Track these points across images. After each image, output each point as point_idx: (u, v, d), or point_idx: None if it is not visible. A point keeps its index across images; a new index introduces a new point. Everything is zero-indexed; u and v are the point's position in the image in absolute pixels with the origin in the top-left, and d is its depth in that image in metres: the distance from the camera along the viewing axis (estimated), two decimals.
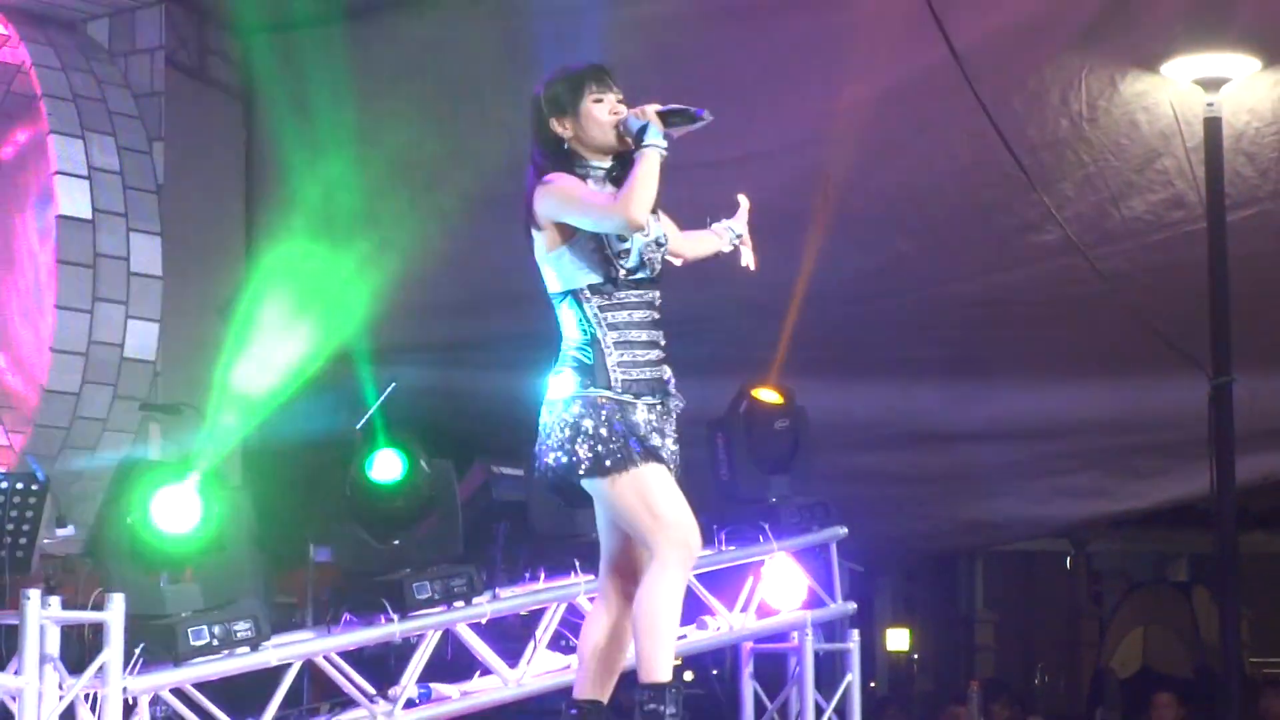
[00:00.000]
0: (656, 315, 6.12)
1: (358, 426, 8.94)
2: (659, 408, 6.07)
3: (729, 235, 6.50)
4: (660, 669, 5.94)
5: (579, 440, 5.94)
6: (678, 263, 6.32)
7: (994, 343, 11.70)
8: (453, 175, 11.68)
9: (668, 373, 6.14)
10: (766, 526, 9.37)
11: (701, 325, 11.22)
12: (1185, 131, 9.99)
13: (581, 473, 5.96)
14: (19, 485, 8.45)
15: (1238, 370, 9.99)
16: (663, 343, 6.13)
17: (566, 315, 6.06)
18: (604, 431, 5.93)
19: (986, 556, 20.37)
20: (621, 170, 6.04)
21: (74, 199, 11.93)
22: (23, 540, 8.38)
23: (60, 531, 8.93)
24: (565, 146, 6.08)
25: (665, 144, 5.95)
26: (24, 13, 12.17)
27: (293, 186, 12.65)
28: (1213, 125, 9.82)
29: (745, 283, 11.00)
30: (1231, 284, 9.87)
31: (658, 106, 6.04)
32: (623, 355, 6.00)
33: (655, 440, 6.01)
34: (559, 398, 6.00)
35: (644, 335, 6.07)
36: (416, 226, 12.15)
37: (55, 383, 11.81)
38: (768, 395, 9.85)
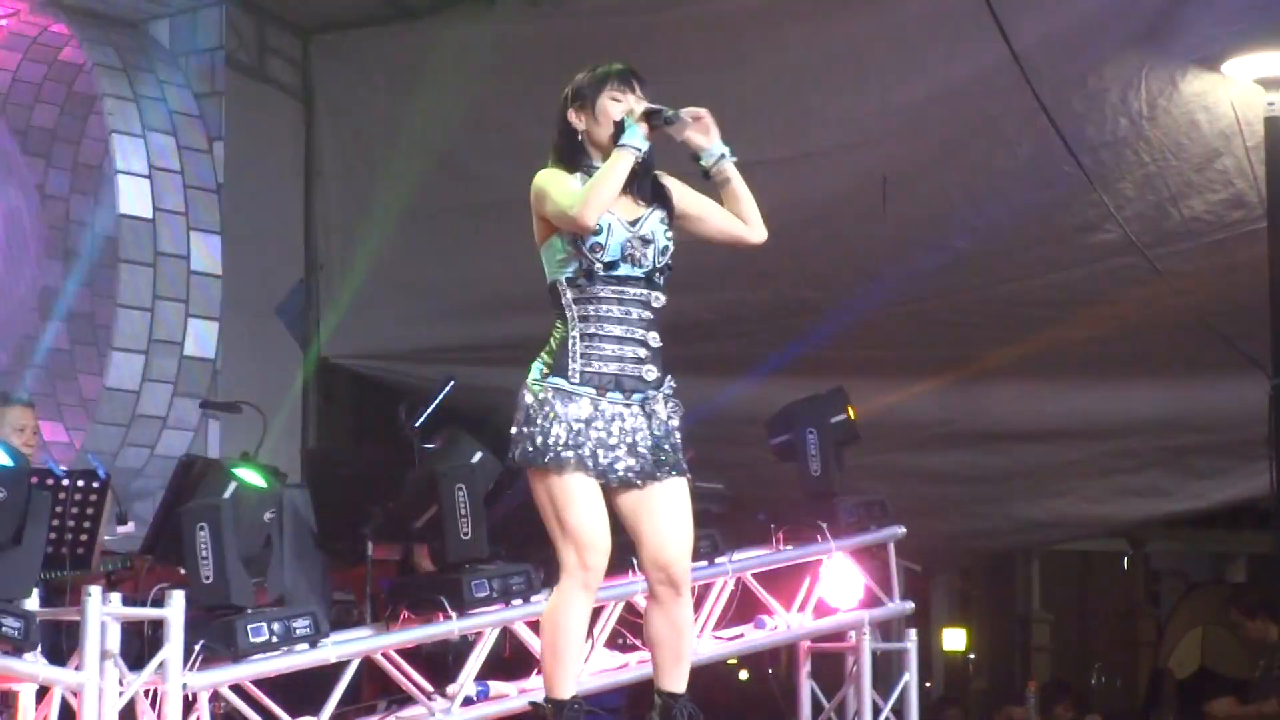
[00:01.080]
0: (646, 314, 6.00)
1: (415, 424, 8.97)
2: (629, 409, 5.99)
3: (725, 166, 6.14)
4: (556, 686, 5.98)
5: (520, 431, 5.95)
6: (753, 238, 6.15)
7: (1053, 342, 11.66)
8: (506, 174, 11.71)
9: (652, 374, 6.02)
10: (824, 526, 9.35)
11: (757, 325, 11.24)
12: (1246, 131, 9.94)
13: (515, 462, 5.99)
14: (80, 482, 8.49)
15: None
16: (652, 343, 6.01)
17: (553, 306, 6.06)
18: (540, 423, 5.91)
19: (1043, 556, 20.28)
20: None
21: (135, 198, 12.01)
22: (84, 537, 8.43)
23: (120, 529, 8.97)
24: (579, 139, 6.10)
25: (641, 145, 5.93)
26: (86, 13, 12.26)
27: (352, 185, 12.71)
28: (1274, 124, 9.77)
29: (799, 283, 11.06)
30: None
31: (644, 105, 6.03)
32: (587, 346, 5.94)
33: (602, 445, 5.92)
34: (523, 385, 6.02)
35: (619, 330, 5.97)
36: (474, 224, 12.20)
37: (115, 380, 11.89)
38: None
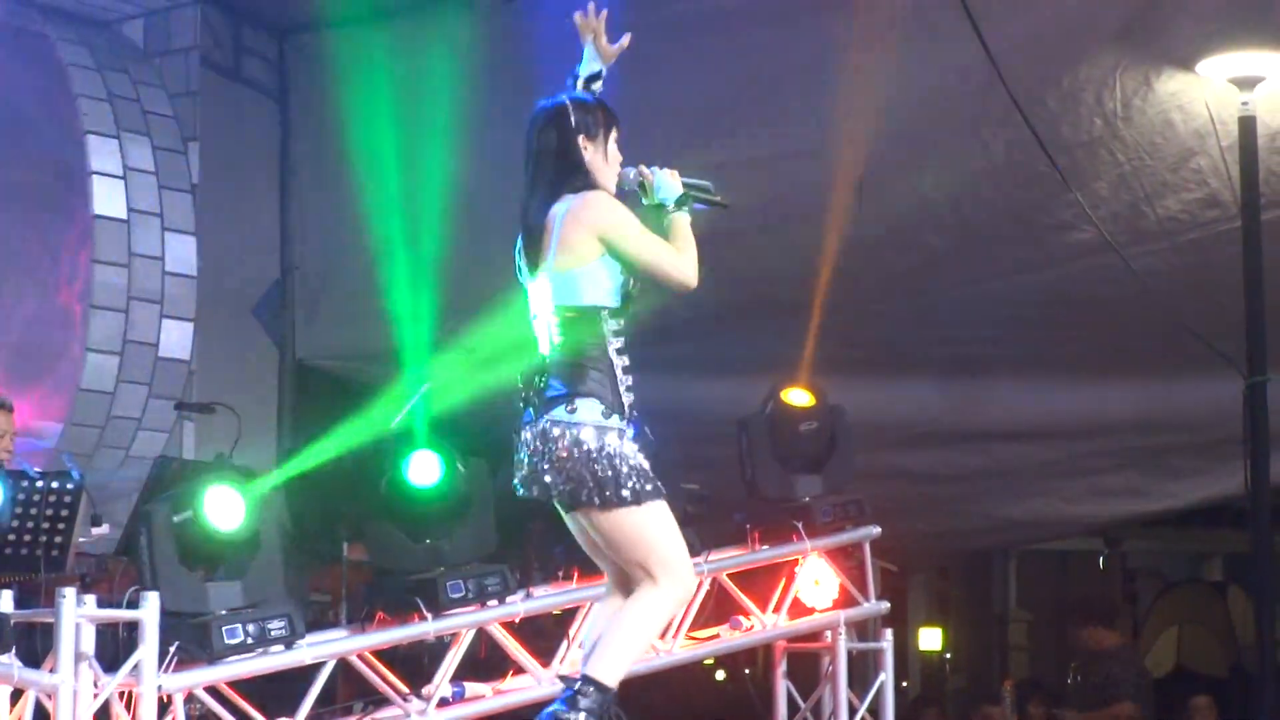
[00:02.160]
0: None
1: (392, 426, 8.96)
2: (630, 432, 6.09)
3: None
4: (611, 672, 5.99)
5: (599, 468, 5.92)
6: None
7: (1028, 342, 11.67)
8: (483, 175, 11.69)
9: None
10: (800, 526, 9.36)
11: (734, 325, 11.24)
12: (1220, 130, 9.95)
13: (595, 502, 5.94)
14: (54, 484, 8.47)
15: (1273, 369, 9.96)
16: None
17: (579, 331, 6.01)
18: (632, 462, 5.95)
19: (1020, 556, 20.31)
20: None
21: (109, 199, 11.97)
22: (58, 539, 8.41)
23: (95, 530, 8.95)
24: (587, 167, 6.12)
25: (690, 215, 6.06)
26: (59, 12, 12.21)
27: (327, 186, 12.68)
28: (1248, 124, 9.79)
29: (777, 282, 11.06)
30: (1266, 283, 9.83)
31: (670, 172, 6.09)
32: (624, 379, 6.01)
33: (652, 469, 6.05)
34: (577, 420, 5.95)
35: (629, 360, 6.07)
36: (448, 226, 12.18)
37: (90, 382, 11.85)
38: (797, 396, 9.82)
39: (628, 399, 5.99)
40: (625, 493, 5.93)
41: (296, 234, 12.98)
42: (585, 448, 5.93)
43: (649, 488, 5.96)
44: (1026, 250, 10.85)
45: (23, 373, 11.80)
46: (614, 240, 5.95)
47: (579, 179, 6.09)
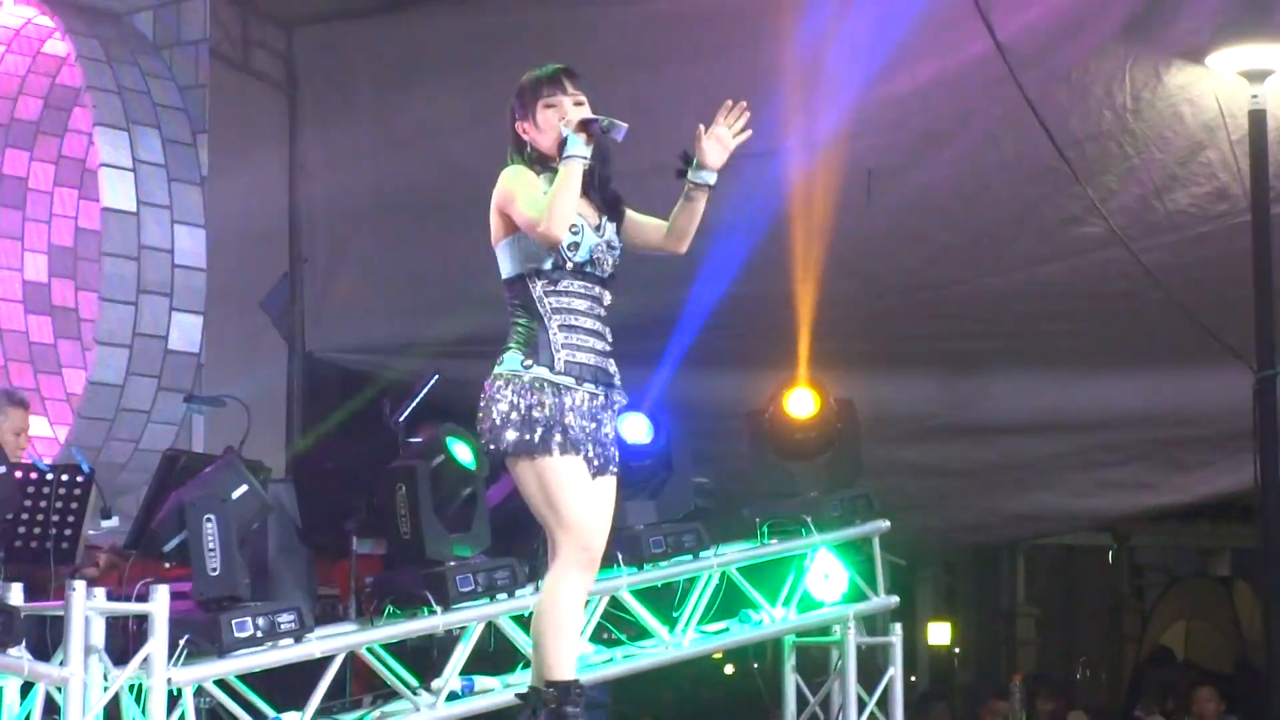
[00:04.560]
0: (603, 312, 6.16)
1: (400, 418, 8.95)
2: (600, 399, 6.11)
3: (704, 187, 6.19)
4: (563, 667, 6.02)
5: (506, 420, 6.00)
6: (682, 249, 6.28)
7: (1037, 336, 11.66)
8: (491, 167, 11.69)
9: (613, 367, 6.19)
10: (809, 520, 9.35)
11: (741, 318, 11.23)
12: (1230, 124, 9.94)
13: (502, 453, 6.04)
14: (64, 477, 8.48)
15: None
16: (609, 338, 6.18)
17: (515, 299, 6.12)
18: (533, 414, 5.98)
19: (1028, 550, 20.30)
20: None
21: (118, 192, 11.99)
22: (68, 532, 8.42)
23: (105, 523, 8.96)
24: (528, 151, 6.19)
25: (584, 153, 6.02)
26: (69, 5, 12.23)
27: (336, 179, 12.69)
28: (1257, 117, 9.77)
29: (784, 277, 11.06)
30: (1275, 277, 9.82)
31: (583, 115, 6.10)
32: (567, 337, 6.05)
33: (583, 433, 6.04)
34: (498, 372, 6.06)
35: (589, 324, 6.11)
36: (457, 218, 12.18)
37: (100, 374, 11.87)
38: (798, 396, 9.77)
39: (564, 354, 6.03)
40: (516, 439, 5.98)
41: (305, 227, 12.99)
42: (493, 395, 6.04)
43: (545, 441, 5.97)
44: (1035, 244, 10.84)
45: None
46: (504, 209, 6.10)
47: (520, 157, 6.19)
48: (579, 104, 6.14)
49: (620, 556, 8.50)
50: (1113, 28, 9.90)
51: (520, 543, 8.62)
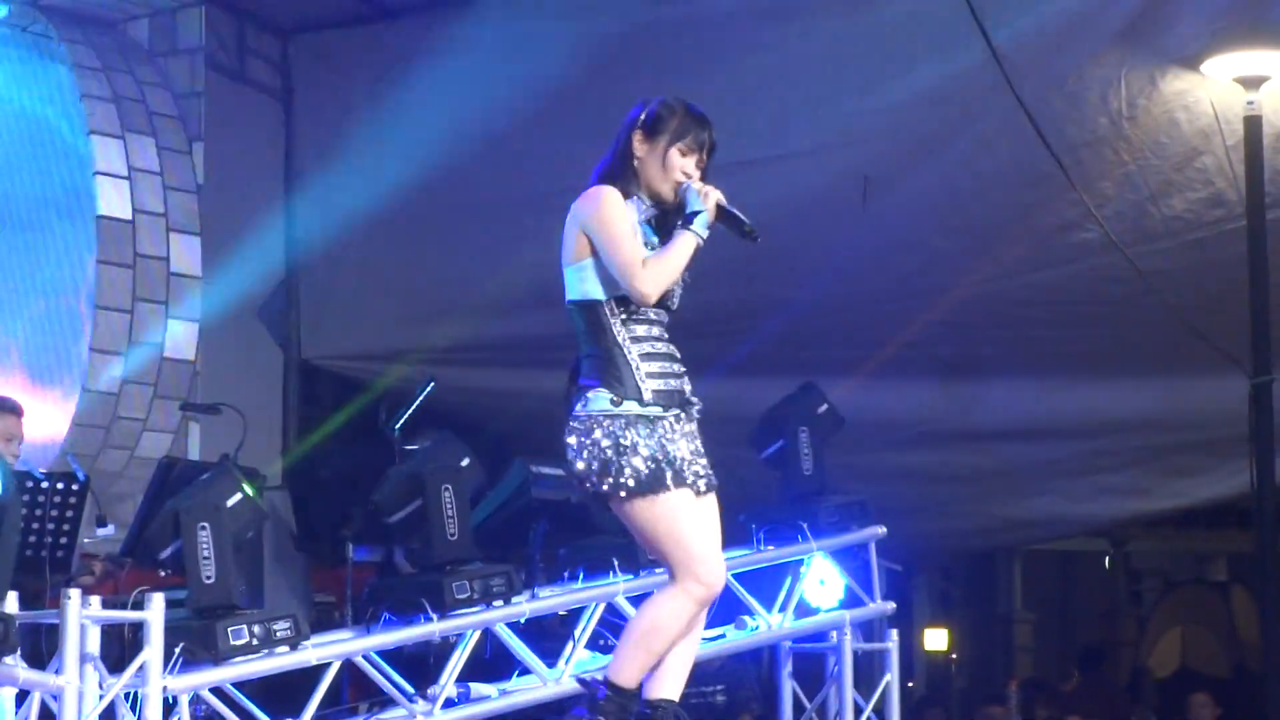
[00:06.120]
0: (670, 336, 6.10)
1: (395, 426, 8.96)
2: (685, 422, 6.05)
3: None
4: (630, 675, 5.96)
5: (610, 461, 5.92)
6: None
7: (1032, 341, 11.67)
8: (488, 175, 11.70)
9: (689, 387, 6.13)
10: (805, 526, 9.35)
11: (745, 325, 11.24)
12: (1225, 130, 9.96)
13: (611, 494, 5.95)
14: (59, 485, 8.47)
15: (1278, 369, 9.96)
16: (679, 357, 6.12)
17: (589, 325, 6.03)
18: (639, 451, 5.92)
19: (1025, 556, 20.33)
20: (659, 220, 6.08)
21: (114, 200, 11.97)
22: (63, 540, 8.41)
23: (100, 531, 8.96)
24: (634, 164, 6.05)
25: (705, 235, 5.96)
26: (65, 13, 12.21)
27: (332, 187, 12.68)
28: (1253, 123, 9.79)
29: (780, 283, 11.06)
30: (1272, 283, 9.84)
31: (721, 198, 6.02)
32: (649, 367, 5.99)
33: (684, 460, 5.98)
34: (589, 413, 5.97)
35: (663, 348, 6.05)
36: (454, 226, 12.19)
37: (95, 382, 11.86)
38: None
39: (651, 385, 5.96)
40: (627, 480, 5.91)
41: (301, 235, 12.98)
42: (593, 437, 5.94)
43: (658, 478, 5.91)
44: (1031, 250, 10.85)
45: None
46: (592, 234, 5.95)
47: (613, 169, 6.07)
48: (700, 166, 6.09)
49: (616, 563, 8.50)
50: (1108, 34, 9.91)
51: (517, 549, 8.62)
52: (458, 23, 12.10)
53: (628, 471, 5.91)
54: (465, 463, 7.99)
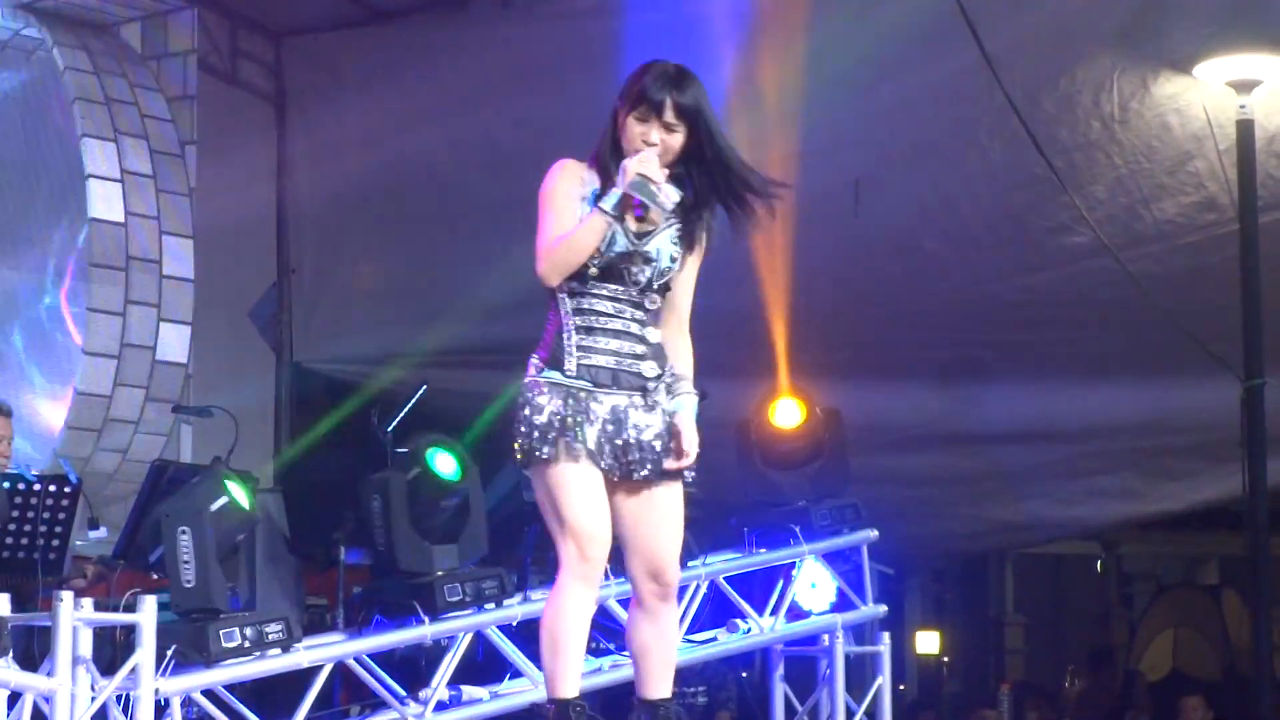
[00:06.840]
0: (640, 314, 5.82)
1: (388, 429, 8.95)
2: (633, 404, 5.79)
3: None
4: (562, 684, 5.74)
5: (518, 427, 5.77)
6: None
7: (1024, 344, 11.67)
8: (480, 178, 11.70)
9: (652, 370, 5.84)
10: (797, 529, 9.35)
11: (730, 327, 11.23)
12: (1217, 134, 9.96)
13: (522, 467, 5.82)
14: (51, 487, 8.47)
15: (1269, 372, 9.96)
16: (650, 339, 5.86)
17: (547, 299, 5.84)
18: (538, 419, 5.72)
19: (1016, 559, 20.33)
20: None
21: (106, 202, 11.97)
22: (55, 542, 8.41)
23: (92, 533, 8.95)
24: (616, 134, 5.80)
25: (615, 214, 5.63)
26: (57, 16, 12.22)
27: (324, 190, 12.69)
28: (1245, 127, 9.80)
29: (774, 285, 11.06)
30: (1263, 286, 9.84)
31: (647, 169, 5.66)
32: (583, 340, 5.76)
33: (596, 439, 5.73)
34: (521, 384, 5.82)
35: (616, 325, 5.79)
36: (445, 229, 12.19)
37: (87, 385, 11.86)
38: (783, 407, 9.76)
39: (580, 357, 5.74)
40: (518, 443, 5.74)
41: (293, 237, 12.99)
42: (518, 407, 5.80)
43: (552, 447, 5.70)
44: (1023, 253, 10.85)
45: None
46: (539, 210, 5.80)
47: (600, 141, 5.85)
48: (672, 132, 5.75)
49: (608, 566, 8.49)
50: (1101, 37, 9.92)
51: (509, 552, 8.62)
52: (450, 25, 12.10)
53: (525, 440, 5.74)
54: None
